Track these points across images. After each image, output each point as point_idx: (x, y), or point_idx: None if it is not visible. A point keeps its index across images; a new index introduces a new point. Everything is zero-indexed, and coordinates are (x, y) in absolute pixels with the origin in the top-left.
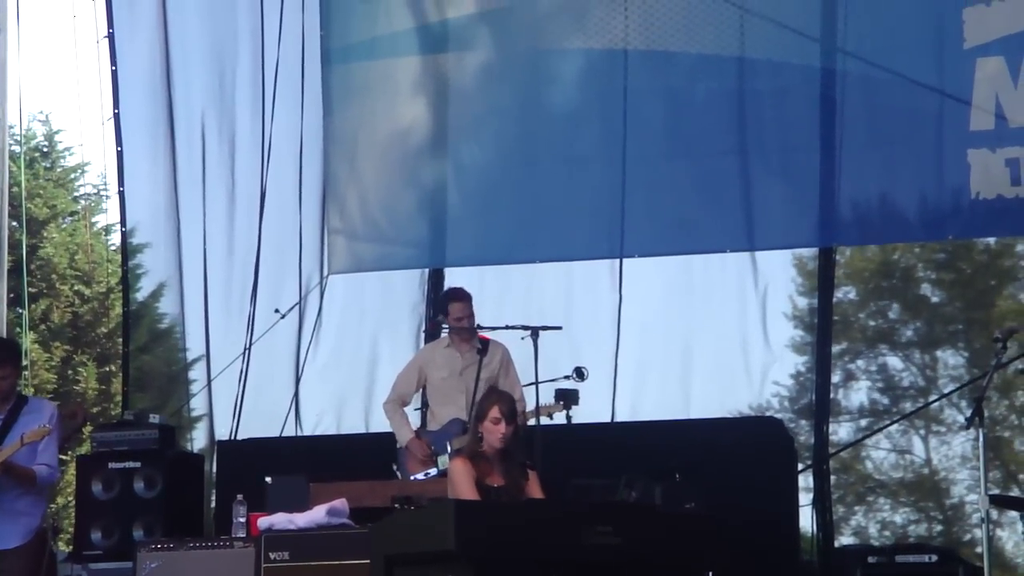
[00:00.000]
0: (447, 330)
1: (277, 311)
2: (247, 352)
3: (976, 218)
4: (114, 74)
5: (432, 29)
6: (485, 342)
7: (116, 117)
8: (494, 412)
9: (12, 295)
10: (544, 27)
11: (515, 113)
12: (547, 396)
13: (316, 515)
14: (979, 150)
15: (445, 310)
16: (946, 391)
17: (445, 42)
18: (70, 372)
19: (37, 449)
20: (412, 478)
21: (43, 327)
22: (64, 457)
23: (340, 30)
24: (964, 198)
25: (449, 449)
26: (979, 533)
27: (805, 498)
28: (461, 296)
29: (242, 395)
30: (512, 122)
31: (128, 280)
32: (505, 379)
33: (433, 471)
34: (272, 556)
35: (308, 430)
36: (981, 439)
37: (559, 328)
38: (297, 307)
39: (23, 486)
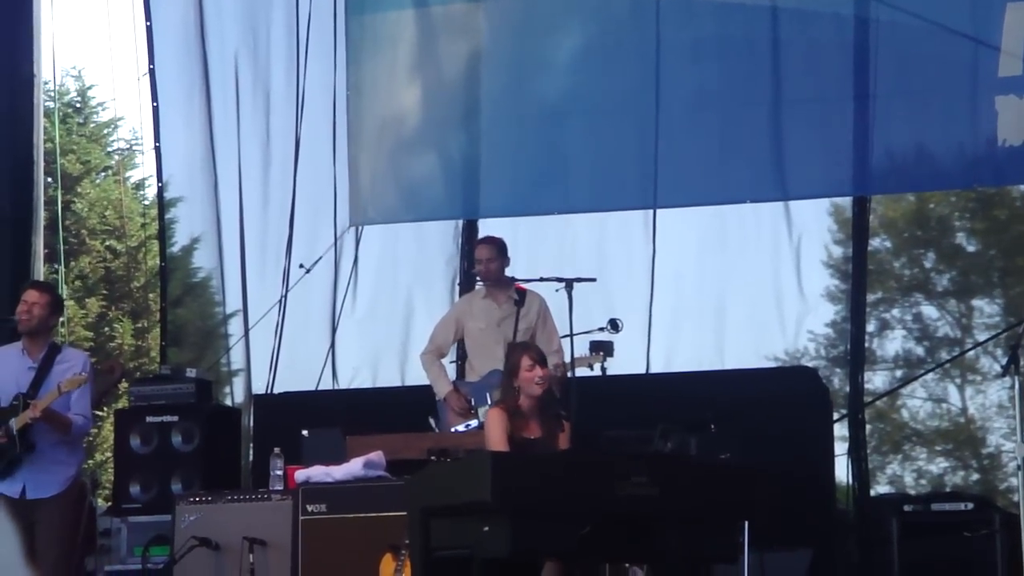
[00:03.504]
0: (480, 281)
1: (302, 266)
2: (283, 305)
3: (1003, 165)
4: (149, 30)
5: None
6: (522, 292)
7: (151, 73)
8: (526, 360)
9: (47, 251)
10: None
11: (547, 63)
12: (581, 348)
13: (353, 468)
14: (1007, 96)
15: (474, 258)
16: (981, 339)
17: None
18: (105, 328)
19: (71, 400)
20: (452, 430)
21: (78, 283)
22: (101, 412)
23: None
24: (992, 145)
25: (489, 401)
26: (1015, 481)
27: (840, 447)
28: (485, 240)
29: (278, 349)
30: (544, 71)
31: (164, 235)
32: (543, 330)
33: (474, 423)
34: (309, 508)
35: (344, 383)
36: (1017, 387)
37: (593, 280)
38: (330, 260)
39: (58, 432)
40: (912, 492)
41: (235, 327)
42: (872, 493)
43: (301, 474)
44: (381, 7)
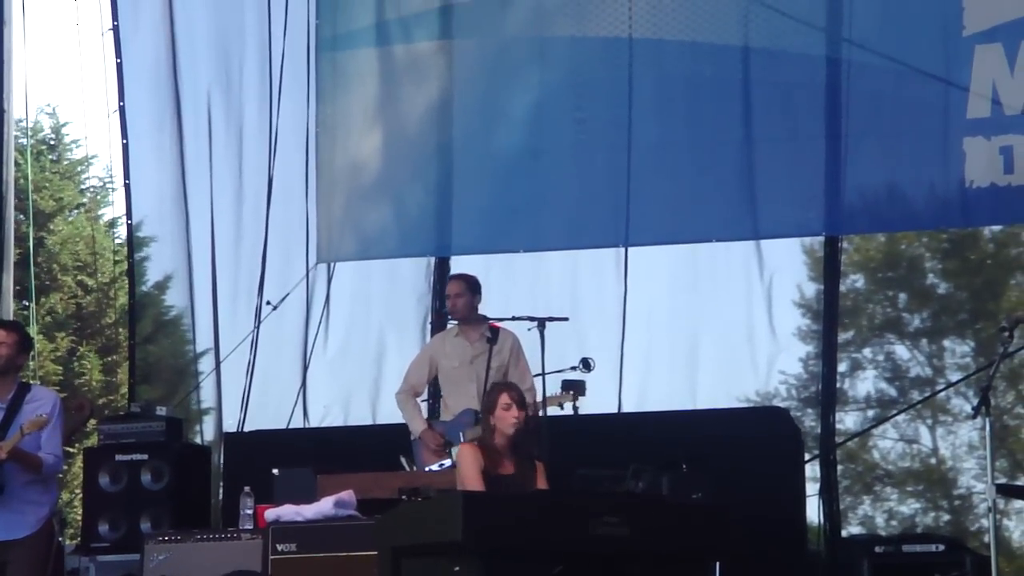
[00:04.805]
0: (451, 320)
1: (269, 303)
2: (254, 342)
3: (971, 207)
4: (119, 67)
5: (430, 16)
6: (495, 330)
7: (121, 110)
8: (504, 399)
9: (18, 287)
10: (546, 14)
11: (518, 101)
12: (554, 387)
13: (323, 507)
14: (975, 138)
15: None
16: (953, 380)
17: (448, 28)
18: (74, 363)
19: (41, 439)
20: (427, 469)
21: (48, 318)
22: (71, 449)
23: (331, 18)
24: (961, 187)
25: (463, 439)
26: (986, 523)
27: (812, 488)
28: (455, 276)
29: (249, 387)
30: (515, 109)
31: (134, 272)
32: (515, 368)
33: (447, 462)
34: (279, 548)
35: (315, 422)
36: (988, 428)
37: (566, 319)
38: (303, 298)
39: (29, 472)
40: (883, 533)
41: (206, 365)
42: (843, 534)
43: (271, 513)
44: (350, 45)
